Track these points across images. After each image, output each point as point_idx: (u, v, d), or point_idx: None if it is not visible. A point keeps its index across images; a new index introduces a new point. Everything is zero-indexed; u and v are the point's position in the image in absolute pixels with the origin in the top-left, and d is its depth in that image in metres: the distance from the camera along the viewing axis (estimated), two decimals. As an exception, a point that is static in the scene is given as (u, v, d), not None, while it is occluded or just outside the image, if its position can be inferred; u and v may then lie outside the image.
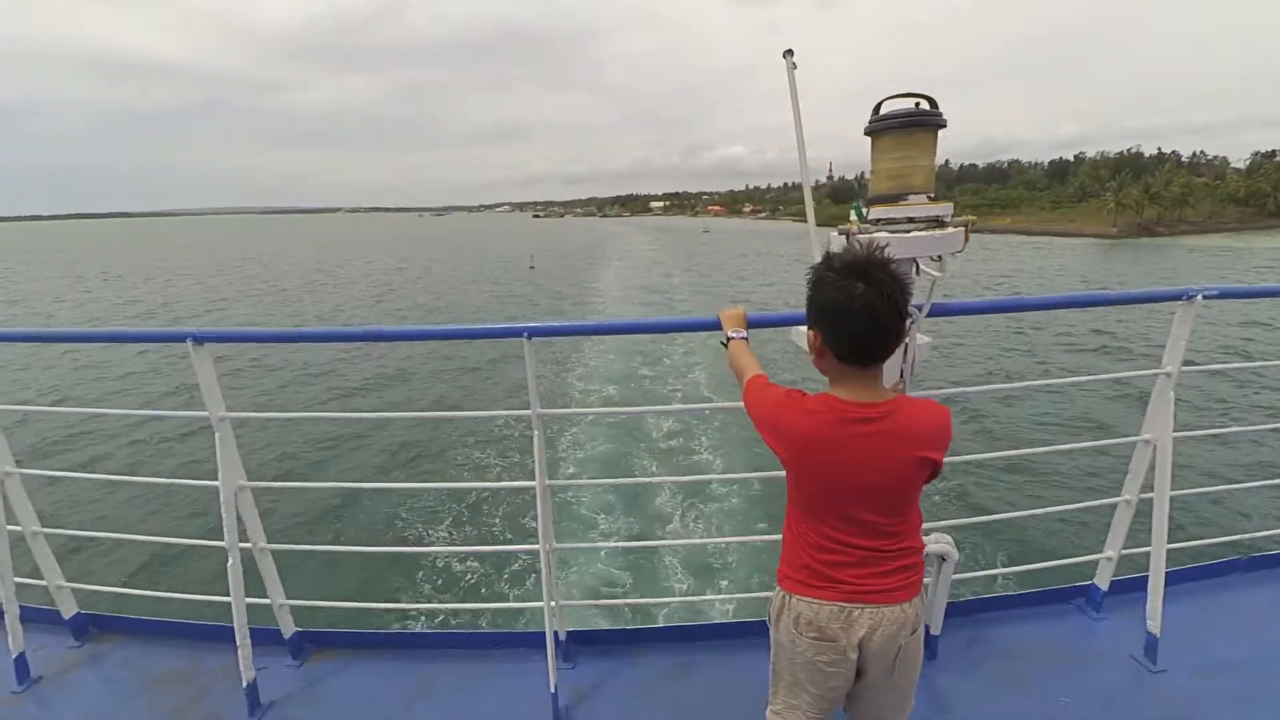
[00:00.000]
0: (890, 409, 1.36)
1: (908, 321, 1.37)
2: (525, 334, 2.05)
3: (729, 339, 1.79)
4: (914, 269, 1.87)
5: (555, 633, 2.23)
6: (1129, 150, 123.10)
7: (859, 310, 1.29)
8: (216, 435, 2.12)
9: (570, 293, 38.37)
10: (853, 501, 1.38)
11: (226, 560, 2.14)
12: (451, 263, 61.04)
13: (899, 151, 1.78)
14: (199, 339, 2.06)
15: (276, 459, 11.91)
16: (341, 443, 12.67)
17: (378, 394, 16.53)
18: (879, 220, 1.80)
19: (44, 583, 2.46)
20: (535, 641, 2.44)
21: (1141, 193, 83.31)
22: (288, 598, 2.42)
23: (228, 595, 2.21)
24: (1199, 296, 2.11)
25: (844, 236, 1.83)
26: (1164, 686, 2.18)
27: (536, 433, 2.17)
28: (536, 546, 2.26)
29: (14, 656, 2.28)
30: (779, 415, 1.43)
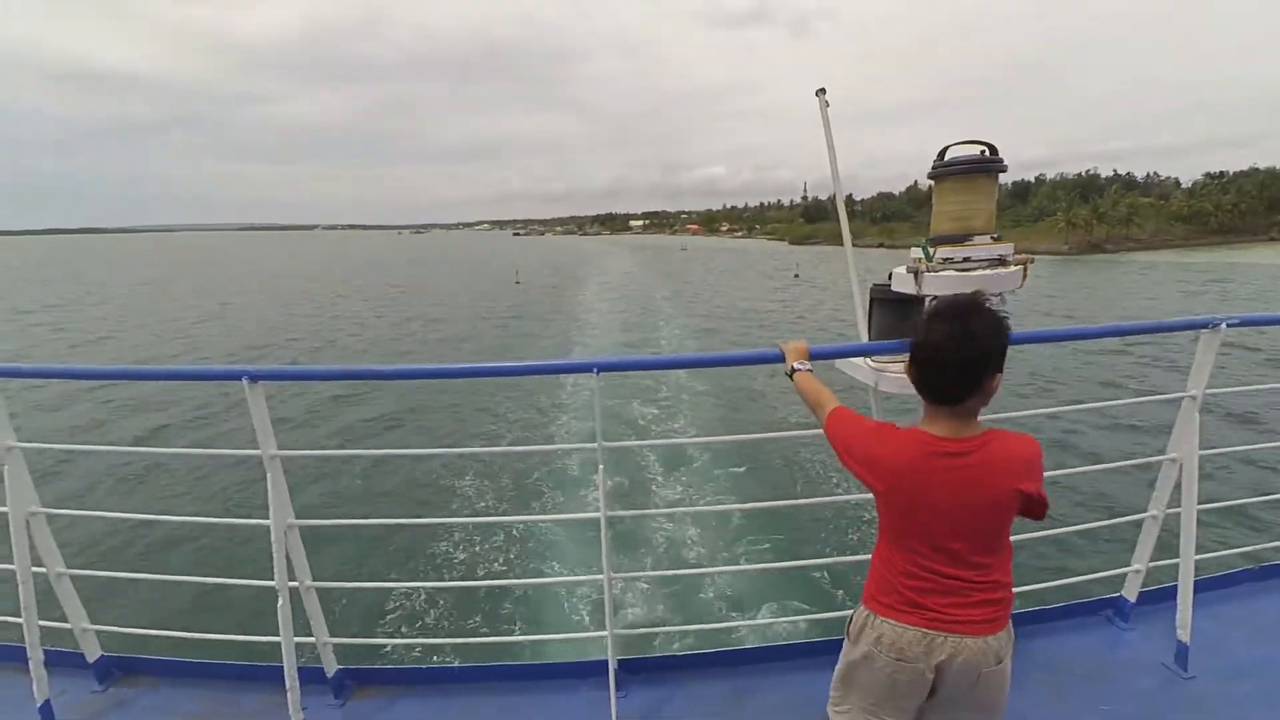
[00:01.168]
0: (982, 443, 1.40)
1: (990, 371, 1.38)
2: (594, 369, 2.05)
3: (794, 370, 1.84)
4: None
5: (611, 661, 2.22)
6: (1086, 172, 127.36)
7: (930, 356, 1.40)
8: (268, 474, 2.07)
9: (564, 306, 39.68)
10: (942, 531, 1.42)
11: (264, 599, 2.08)
12: (445, 280, 62.73)
13: (961, 195, 1.86)
14: (254, 377, 2.01)
15: (321, 495, 11.57)
16: (386, 478, 12.40)
17: (417, 427, 16.06)
18: (945, 260, 1.87)
19: (68, 625, 2.36)
20: (584, 671, 2.41)
21: (1090, 212, 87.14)
22: (330, 635, 2.35)
23: (263, 634, 2.15)
24: (1223, 325, 2.21)
25: (912, 275, 1.89)
26: (1196, 692, 2.25)
27: (601, 466, 2.17)
28: (599, 577, 2.24)
29: (39, 705, 2.17)
30: (872, 448, 1.48)
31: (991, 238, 1.84)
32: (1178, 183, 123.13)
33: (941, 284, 1.82)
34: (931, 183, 1.91)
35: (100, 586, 7.16)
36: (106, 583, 7.70)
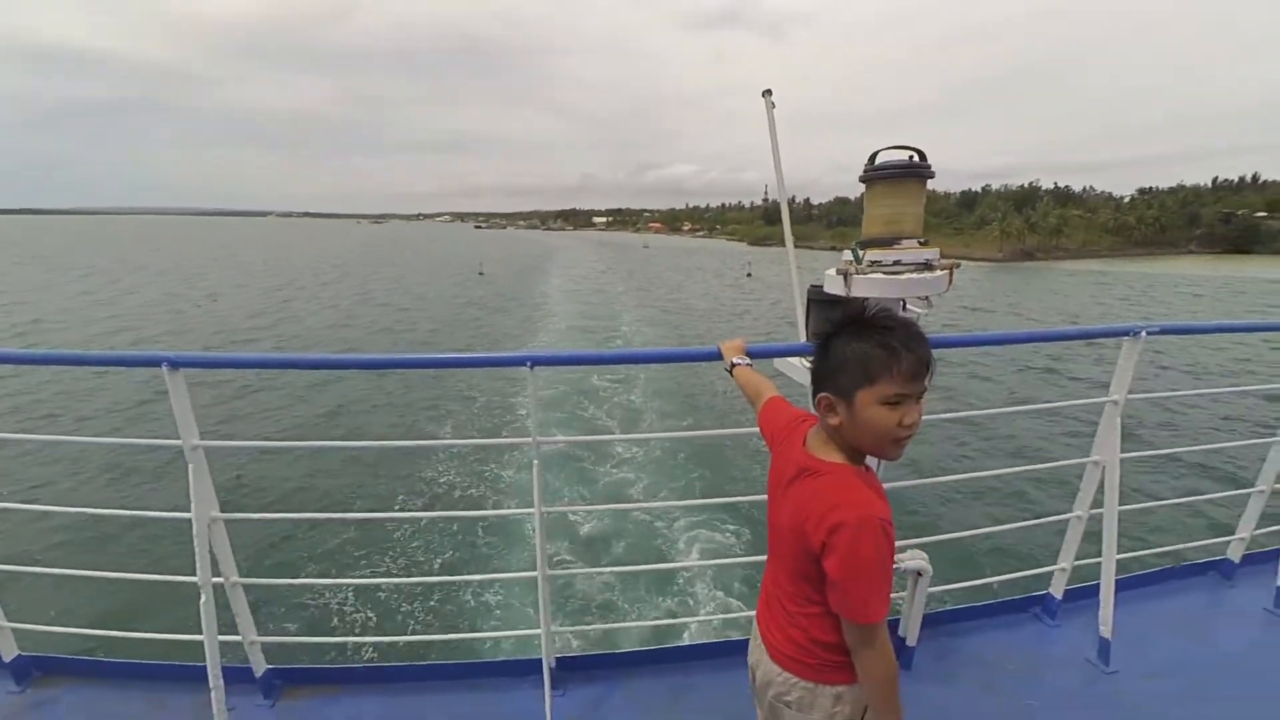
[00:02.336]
0: (812, 468, 1.28)
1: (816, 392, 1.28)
2: (529, 363, 1.99)
3: (733, 365, 1.82)
4: (901, 307, 1.95)
5: (546, 659, 2.18)
6: (1029, 184, 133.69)
7: None
8: (190, 465, 1.96)
9: (527, 298, 40.60)
10: (774, 538, 1.40)
11: (194, 596, 1.97)
12: (409, 270, 62.58)
13: (890, 199, 1.87)
14: (175, 364, 1.89)
15: (248, 488, 11.06)
16: (318, 471, 11.83)
17: (353, 418, 15.49)
18: (874, 263, 1.88)
19: None
20: (522, 669, 2.36)
21: (1023, 223, 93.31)
22: (259, 633, 2.25)
23: (190, 633, 2.04)
24: (1143, 333, 2.29)
25: (841, 276, 1.89)
26: (1118, 687, 2.32)
27: (536, 461, 2.11)
28: (534, 573, 2.19)
29: None
30: (772, 435, 1.48)
31: (919, 242, 1.85)
32: (1111, 196, 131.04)
33: (869, 286, 1.83)
34: (863, 187, 1.92)
35: (16, 583, 6.75)
36: (22, 579, 7.09)
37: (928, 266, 1.87)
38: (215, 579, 2.05)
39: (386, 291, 42.24)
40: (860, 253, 1.89)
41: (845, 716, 1.33)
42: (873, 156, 1.87)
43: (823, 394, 1.26)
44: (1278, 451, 2.77)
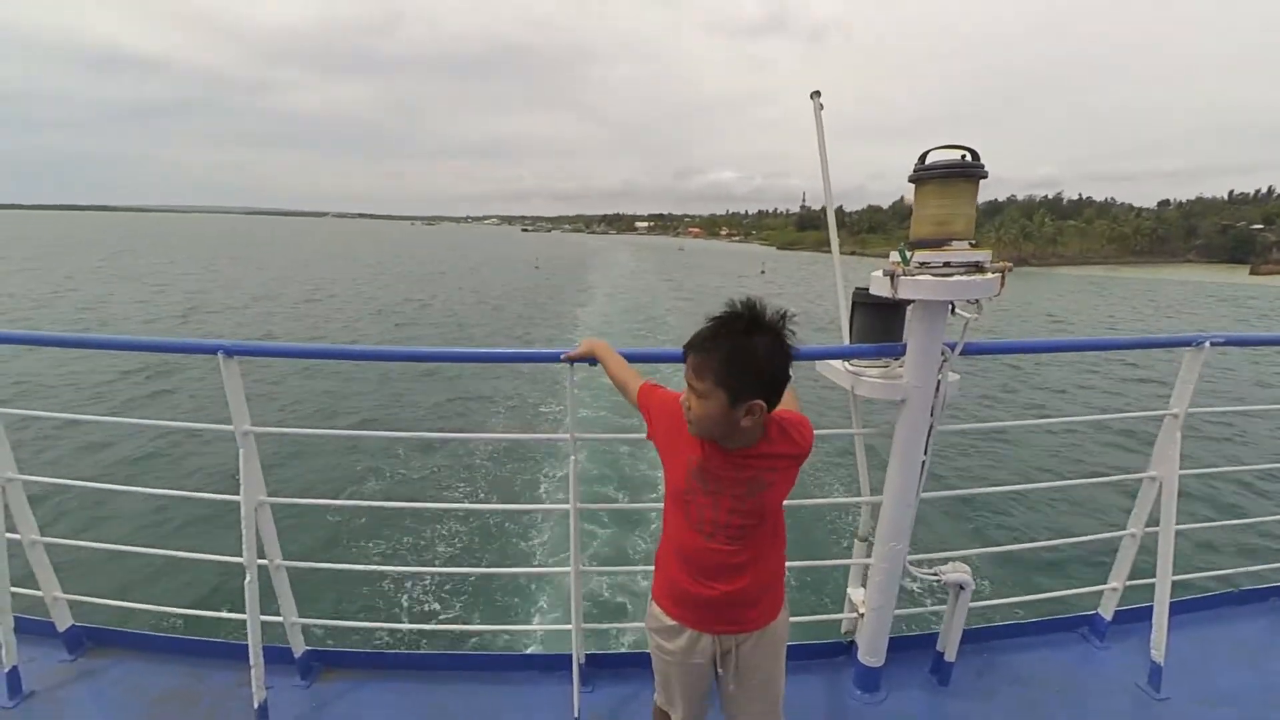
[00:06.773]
0: None
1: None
2: (564, 358, 1.99)
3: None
4: (950, 310, 1.87)
5: (576, 655, 2.16)
6: (1053, 195, 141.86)
7: None
8: (240, 450, 2.00)
9: (576, 284, 47.61)
10: None
11: (238, 576, 2.02)
12: (477, 263, 72.77)
13: (941, 199, 1.78)
14: (230, 351, 1.95)
15: (295, 474, 11.24)
16: (362, 460, 12.00)
17: (397, 409, 15.68)
18: (922, 264, 1.80)
19: (39, 593, 2.29)
20: (552, 664, 2.34)
21: (1018, 232, 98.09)
22: (299, 615, 2.30)
23: (233, 611, 2.09)
24: (1207, 343, 2.14)
25: (889, 278, 1.82)
26: (1168, 714, 2.17)
27: (572, 457, 2.09)
28: (566, 569, 2.17)
29: (6, 670, 2.12)
30: None
31: (970, 244, 1.77)
32: (1132, 207, 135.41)
33: (916, 288, 1.75)
34: (912, 187, 1.85)
35: (71, 556, 6.85)
36: (79, 553, 7.37)
37: (978, 269, 1.78)
38: (260, 561, 2.09)
39: (480, 285, 47.52)
40: (909, 254, 1.81)
41: None
42: (923, 156, 1.79)
43: None
44: None
